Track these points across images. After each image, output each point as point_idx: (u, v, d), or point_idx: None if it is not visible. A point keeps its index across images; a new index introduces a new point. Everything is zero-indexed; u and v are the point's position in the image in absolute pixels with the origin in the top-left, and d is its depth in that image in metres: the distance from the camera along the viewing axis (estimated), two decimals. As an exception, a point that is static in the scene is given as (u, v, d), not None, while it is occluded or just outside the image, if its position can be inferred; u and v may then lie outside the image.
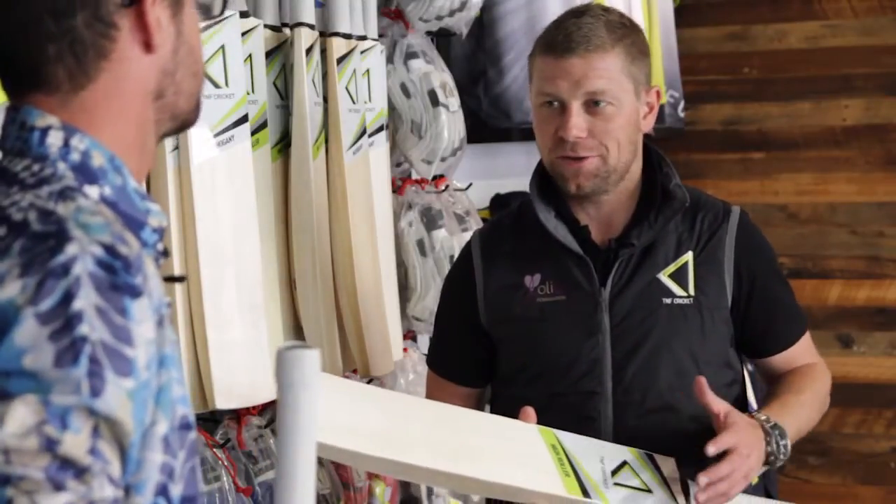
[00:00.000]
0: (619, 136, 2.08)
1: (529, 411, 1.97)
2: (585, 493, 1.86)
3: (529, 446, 1.91)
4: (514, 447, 1.90)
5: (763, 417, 2.02)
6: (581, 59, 2.06)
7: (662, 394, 2.10)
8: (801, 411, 2.11)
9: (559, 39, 2.08)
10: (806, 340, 2.25)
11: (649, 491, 1.93)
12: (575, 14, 2.12)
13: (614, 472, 1.93)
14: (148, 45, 1.24)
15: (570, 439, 1.95)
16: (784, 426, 2.02)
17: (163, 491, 1.16)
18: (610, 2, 3.63)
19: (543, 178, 2.17)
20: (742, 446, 1.93)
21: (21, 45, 1.21)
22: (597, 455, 1.94)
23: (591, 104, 2.07)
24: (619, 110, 2.08)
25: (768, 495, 2.39)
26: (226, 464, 2.25)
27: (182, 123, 1.33)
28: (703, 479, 1.91)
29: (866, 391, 4.30)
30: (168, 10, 1.26)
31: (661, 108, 4.10)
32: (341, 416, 1.67)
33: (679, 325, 2.11)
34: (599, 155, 2.08)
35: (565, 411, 2.05)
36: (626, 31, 2.11)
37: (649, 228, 2.12)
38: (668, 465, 2.01)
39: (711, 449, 1.92)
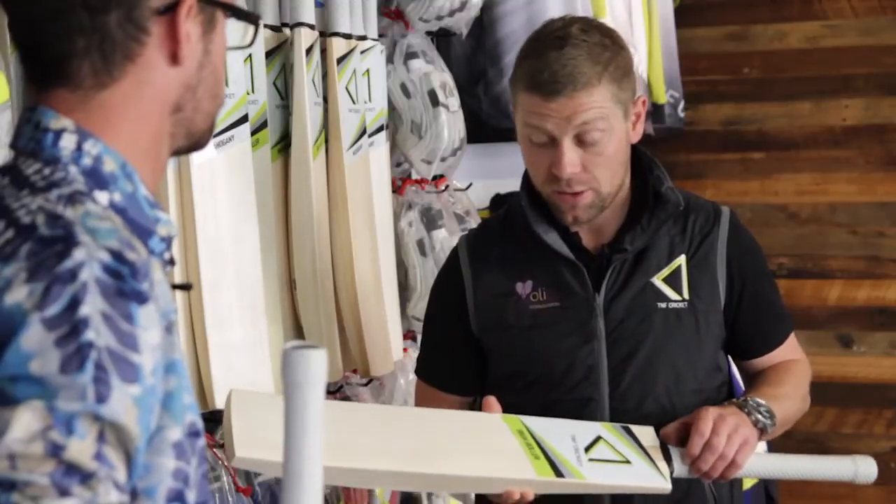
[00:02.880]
0: (612, 165, 2.05)
1: (492, 401, 1.96)
2: (558, 473, 1.85)
3: (494, 435, 1.89)
4: (478, 439, 1.89)
5: (732, 401, 2.05)
6: (568, 98, 2.00)
7: (659, 399, 2.09)
8: (784, 402, 2.10)
9: (544, 78, 2.00)
10: (791, 339, 2.24)
11: (628, 462, 1.92)
12: (555, 45, 2.02)
13: (588, 449, 1.92)
14: (175, 57, 1.25)
15: (537, 422, 1.94)
16: (762, 399, 2.04)
17: (179, 497, 1.17)
18: (610, 3, 3.63)
19: (533, 185, 2.16)
20: (711, 425, 1.96)
21: (51, 33, 1.21)
22: (567, 434, 1.94)
23: (583, 136, 2.02)
24: (610, 138, 2.03)
25: (768, 496, 2.40)
26: (226, 464, 2.24)
27: (195, 142, 1.33)
28: (694, 471, 1.95)
29: (866, 391, 4.30)
30: (200, 28, 1.27)
31: (661, 107, 4.10)
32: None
33: (674, 329, 2.10)
34: (592, 188, 2.05)
35: (562, 417, 2.04)
36: (610, 56, 2.03)
37: (642, 233, 2.10)
38: (647, 434, 2.00)
39: (695, 472, 1.96)
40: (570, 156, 2.02)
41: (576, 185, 2.04)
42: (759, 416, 2.01)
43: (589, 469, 1.88)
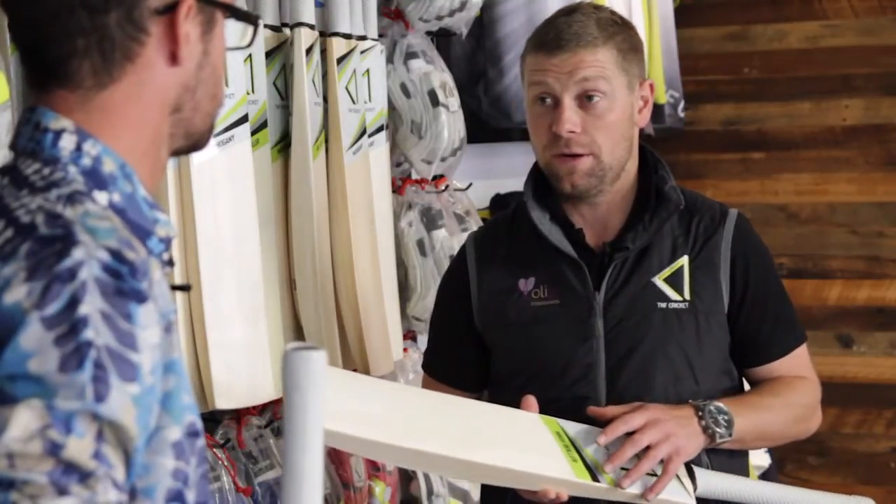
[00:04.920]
0: (613, 132, 2.07)
1: (531, 400, 1.97)
2: (594, 477, 1.88)
3: (534, 433, 1.92)
4: (519, 434, 1.92)
5: (691, 402, 2.02)
6: (572, 53, 2.05)
7: (656, 399, 2.05)
8: (764, 413, 2.07)
9: (550, 37, 2.07)
10: (801, 356, 2.18)
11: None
12: (566, 12, 2.11)
13: None
14: (174, 57, 1.25)
15: (573, 427, 1.97)
16: (726, 407, 2.01)
17: (178, 496, 1.17)
18: (610, 2, 3.63)
19: (538, 180, 2.16)
20: (642, 421, 1.93)
21: (51, 34, 1.22)
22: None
23: (584, 99, 2.05)
24: (612, 104, 2.06)
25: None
26: (226, 464, 2.25)
27: (194, 143, 1.34)
28: (608, 466, 1.91)
29: (866, 391, 4.30)
30: (199, 28, 1.27)
31: (661, 107, 4.10)
32: (348, 405, 1.67)
33: (674, 329, 2.09)
34: (592, 153, 2.06)
35: (558, 416, 2.04)
36: (618, 29, 2.09)
37: (644, 231, 2.10)
38: None
39: (602, 439, 1.93)
40: (570, 114, 2.05)
41: (574, 146, 2.06)
42: (712, 424, 1.98)
43: (621, 476, 1.91)
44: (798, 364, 2.18)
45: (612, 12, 2.15)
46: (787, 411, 2.13)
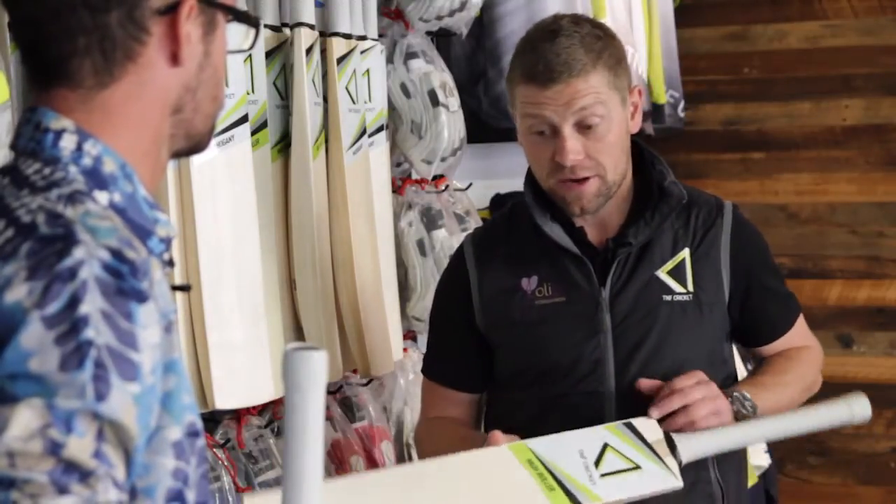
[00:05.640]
0: (615, 150, 2.08)
1: (498, 434, 1.94)
2: (575, 501, 1.85)
3: (505, 473, 1.87)
4: (490, 483, 1.87)
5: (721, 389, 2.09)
6: (565, 84, 2.03)
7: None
8: (780, 391, 2.15)
9: (539, 69, 2.04)
10: (800, 324, 2.28)
11: (638, 467, 1.93)
12: (548, 36, 2.07)
13: (598, 463, 1.92)
14: (175, 57, 1.25)
15: (544, 445, 1.92)
16: (749, 395, 2.08)
17: (178, 496, 1.17)
18: (610, 4, 3.63)
19: (537, 181, 2.16)
20: (693, 381, 2.02)
21: (52, 33, 1.22)
22: (574, 450, 1.93)
23: (583, 124, 2.05)
24: (611, 125, 2.06)
25: (769, 496, 2.40)
26: (226, 464, 2.25)
27: (195, 144, 1.34)
28: (654, 412, 1.99)
29: (866, 391, 4.27)
30: (200, 29, 1.28)
31: (661, 107, 4.10)
32: None
33: (679, 321, 2.12)
34: (598, 174, 2.07)
35: (568, 412, 2.05)
36: (603, 45, 2.07)
37: (646, 226, 2.12)
38: (650, 427, 2.00)
39: (655, 412, 1.99)
40: (572, 143, 2.05)
41: (580, 171, 2.07)
42: (741, 408, 2.06)
43: (603, 487, 1.89)
44: (799, 333, 2.28)
45: (592, 24, 2.12)
46: (798, 384, 2.22)
